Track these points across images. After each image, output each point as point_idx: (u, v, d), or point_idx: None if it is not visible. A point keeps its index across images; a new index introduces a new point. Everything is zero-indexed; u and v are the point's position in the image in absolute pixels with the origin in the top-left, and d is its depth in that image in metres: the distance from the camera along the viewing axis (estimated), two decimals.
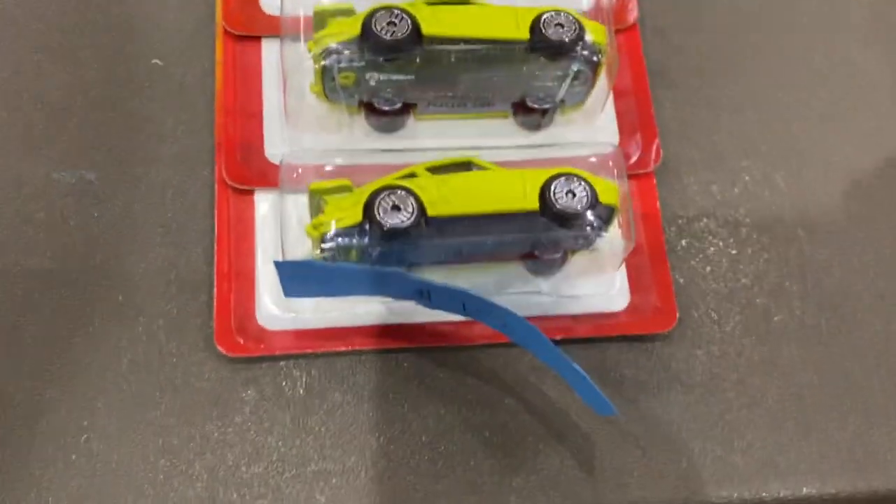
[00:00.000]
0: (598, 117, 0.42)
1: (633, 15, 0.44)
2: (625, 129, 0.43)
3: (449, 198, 0.36)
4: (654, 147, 0.42)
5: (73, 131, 0.41)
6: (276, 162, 0.40)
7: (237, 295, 0.38)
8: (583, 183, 0.36)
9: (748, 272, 0.42)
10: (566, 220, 0.36)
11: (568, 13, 0.39)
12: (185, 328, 0.38)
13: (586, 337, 0.40)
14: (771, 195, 0.43)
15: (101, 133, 0.41)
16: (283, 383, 0.38)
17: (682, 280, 0.41)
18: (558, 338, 0.39)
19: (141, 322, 0.38)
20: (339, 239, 0.35)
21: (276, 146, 0.40)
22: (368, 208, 0.35)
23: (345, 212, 0.35)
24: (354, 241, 0.35)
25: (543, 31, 0.38)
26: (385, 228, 0.35)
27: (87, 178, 0.40)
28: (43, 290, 0.38)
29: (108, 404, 0.37)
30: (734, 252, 0.42)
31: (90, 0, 0.43)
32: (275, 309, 0.38)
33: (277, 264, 0.33)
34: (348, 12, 0.39)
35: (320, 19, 0.39)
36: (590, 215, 0.36)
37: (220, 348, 0.37)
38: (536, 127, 0.42)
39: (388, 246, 0.35)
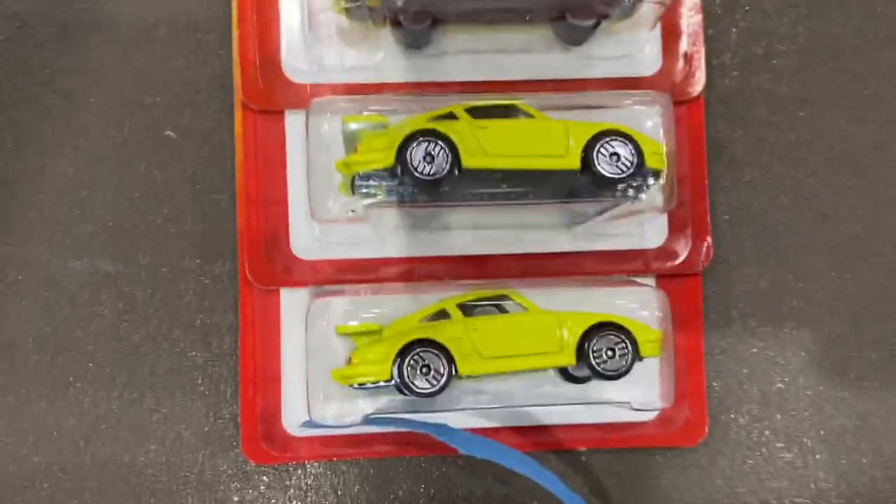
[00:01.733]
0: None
1: (699, 86, 0.39)
2: (675, 222, 0.39)
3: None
4: (705, 247, 0.39)
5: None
6: (304, 257, 0.38)
7: (263, 400, 0.38)
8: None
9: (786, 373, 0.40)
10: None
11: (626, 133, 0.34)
12: (211, 435, 0.38)
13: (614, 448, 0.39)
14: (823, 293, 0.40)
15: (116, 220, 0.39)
16: (309, 491, 0.39)
17: (717, 385, 0.40)
18: (582, 449, 0.39)
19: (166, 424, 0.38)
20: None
21: (303, 238, 0.38)
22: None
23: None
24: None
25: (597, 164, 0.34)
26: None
27: (105, 269, 0.39)
28: None
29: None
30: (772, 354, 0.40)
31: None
32: (301, 415, 0.38)
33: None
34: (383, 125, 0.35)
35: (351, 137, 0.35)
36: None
37: (246, 457, 0.38)
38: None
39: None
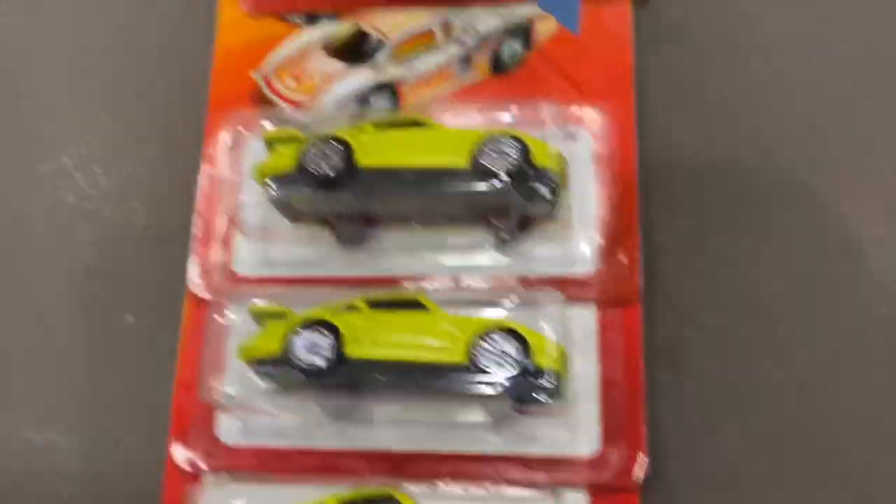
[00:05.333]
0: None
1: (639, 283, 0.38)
2: (609, 432, 0.37)
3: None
4: (639, 462, 0.36)
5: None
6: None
7: None
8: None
9: None
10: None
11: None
12: None
13: None
14: None
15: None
16: None
17: None
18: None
19: None
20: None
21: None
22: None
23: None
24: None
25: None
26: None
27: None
28: None
29: None
30: None
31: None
32: None
33: None
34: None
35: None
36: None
37: None
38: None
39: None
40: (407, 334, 0.33)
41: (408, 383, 0.33)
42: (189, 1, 0.46)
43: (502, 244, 0.39)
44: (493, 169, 0.34)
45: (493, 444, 0.37)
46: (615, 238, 0.39)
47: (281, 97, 0.43)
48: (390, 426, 0.37)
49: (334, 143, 0.35)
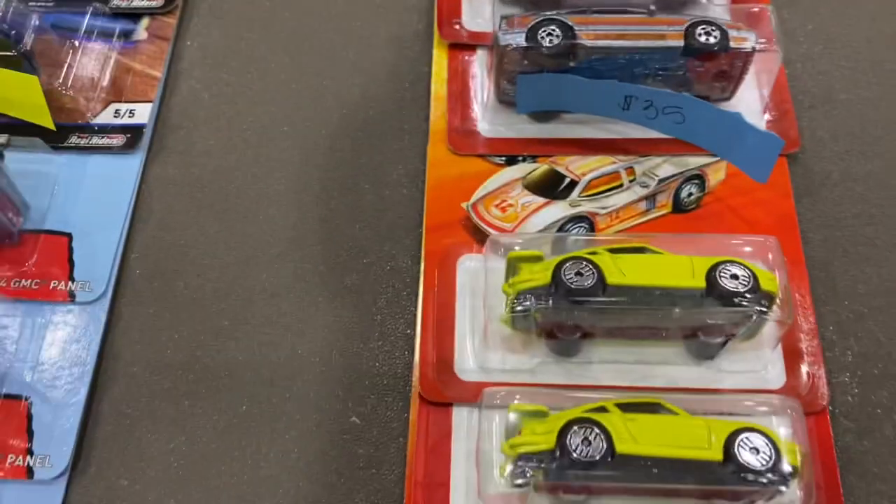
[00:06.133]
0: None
1: (823, 401, 0.44)
2: None
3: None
4: None
5: None
6: None
7: None
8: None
9: None
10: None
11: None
12: None
13: None
14: None
15: None
16: None
17: None
18: None
19: None
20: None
21: None
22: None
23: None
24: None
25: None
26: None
27: None
28: None
29: None
30: None
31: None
32: None
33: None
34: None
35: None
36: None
37: None
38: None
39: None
40: (666, 433, 0.38)
41: (672, 478, 0.37)
42: (403, 142, 0.53)
43: (705, 358, 0.44)
44: (731, 291, 0.40)
45: None
46: (799, 355, 0.45)
47: (488, 224, 0.49)
48: None
49: (587, 262, 0.41)
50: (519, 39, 0.47)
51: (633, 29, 0.47)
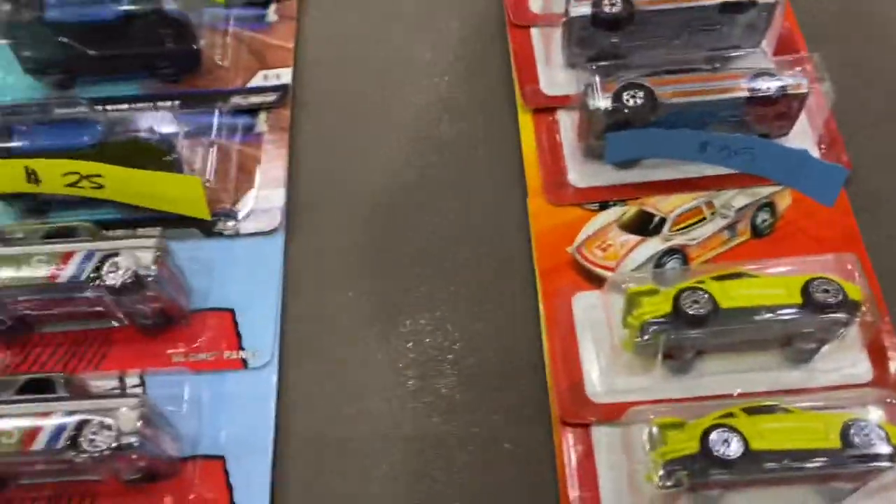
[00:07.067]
0: None
1: None
2: None
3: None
4: None
5: None
6: None
7: None
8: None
9: None
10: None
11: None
12: None
13: None
14: None
15: None
16: None
17: None
18: None
19: None
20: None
21: None
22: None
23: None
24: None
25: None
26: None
27: None
28: None
29: None
30: None
31: None
32: None
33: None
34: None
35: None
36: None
37: None
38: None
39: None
40: (789, 430, 0.45)
41: (799, 467, 0.44)
42: (505, 200, 0.60)
43: (801, 363, 0.51)
44: (825, 303, 0.47)
45: None
46: (883, 351, 0.52)
47: (593, 264, 0.56)
48: None
49: (700, 291, 0.48)
50: (607, 103, 0.55)
51: (703, 86, 0.55)
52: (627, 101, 0.55)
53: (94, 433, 0.45)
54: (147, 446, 0.46)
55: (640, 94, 0.55)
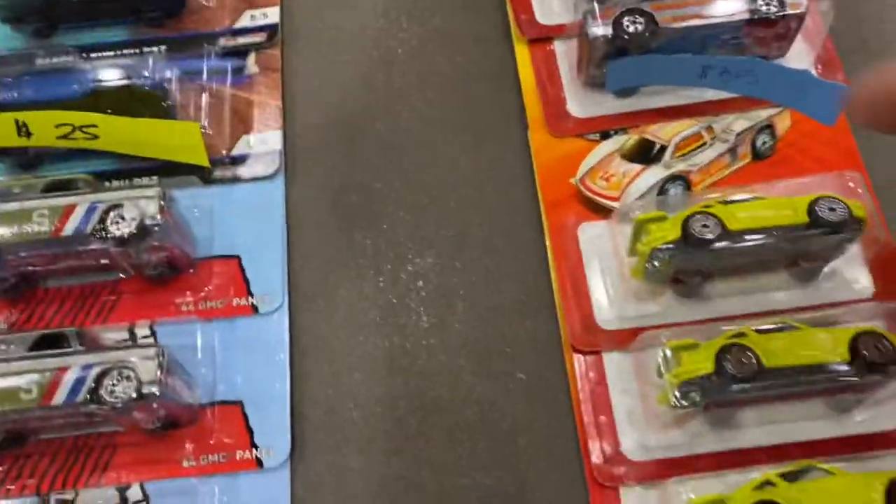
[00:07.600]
0: None
1: None
2: None
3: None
4: None
5: None
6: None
7: None
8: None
9: None
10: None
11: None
12: None
13: None
14: None
15: None
16: None
17: None
18: None
19: None
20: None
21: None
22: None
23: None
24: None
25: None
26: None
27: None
28: None
29: None
30: None
31: None
32: None
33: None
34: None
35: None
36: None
37: None
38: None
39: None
40: (799, 346, 0.46)
41: (811, 381, 0.45)
42: (505, 133, 0.60)
43: (806, 282, 0.52)
44: (831, 221, 0.48)
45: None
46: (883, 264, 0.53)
47: (597, 194, 0.56)
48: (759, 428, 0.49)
49: (708, 215, 0.48)
50: (606, 30, 0.54)
51: (703, 9, 0.55)
52: (627, 27, 0.54)
53: (113, 384, 0.45)
54: (167, 395, 0.46)
55: (641, 19, 0.54)
